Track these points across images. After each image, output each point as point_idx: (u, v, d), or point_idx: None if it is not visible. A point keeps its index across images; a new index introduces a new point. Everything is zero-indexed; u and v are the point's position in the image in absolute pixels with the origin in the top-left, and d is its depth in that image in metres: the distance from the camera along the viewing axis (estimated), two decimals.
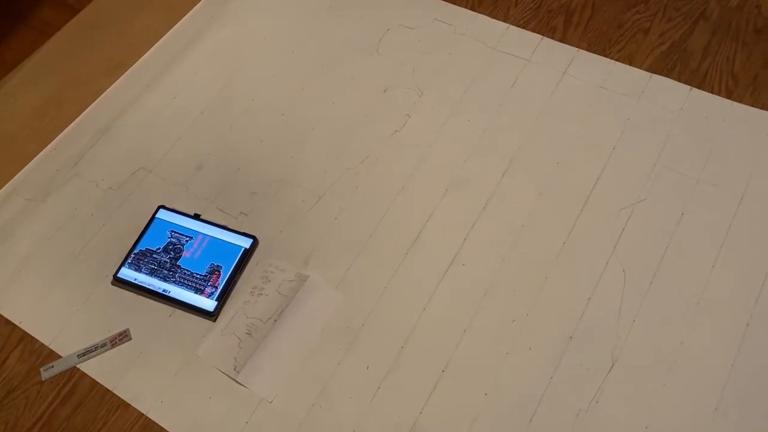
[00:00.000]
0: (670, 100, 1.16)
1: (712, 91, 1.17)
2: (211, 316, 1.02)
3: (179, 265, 1.06)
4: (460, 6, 1.34)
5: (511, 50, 1.26)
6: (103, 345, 1.01)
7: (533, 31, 1.29)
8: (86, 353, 1.01)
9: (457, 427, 0.92)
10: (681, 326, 0.96)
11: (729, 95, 1.17)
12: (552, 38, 1.27)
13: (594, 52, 1.24)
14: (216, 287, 1.04)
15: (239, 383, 0.97)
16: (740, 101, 1.15)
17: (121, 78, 1.32)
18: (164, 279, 1.05)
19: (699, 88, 1.18)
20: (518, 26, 1.29)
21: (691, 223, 1.04)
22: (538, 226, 1.07)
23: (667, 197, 1.07)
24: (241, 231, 1.09)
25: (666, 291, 0.99)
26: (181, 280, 1.05)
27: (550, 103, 1.19)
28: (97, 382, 0.99)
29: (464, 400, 0.94)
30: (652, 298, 0.99)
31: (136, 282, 1.06)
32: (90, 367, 1.01)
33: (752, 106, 1.15)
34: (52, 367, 1.00)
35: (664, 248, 1.02)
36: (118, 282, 1.06)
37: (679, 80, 1.19)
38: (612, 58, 1.23)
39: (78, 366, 1.01)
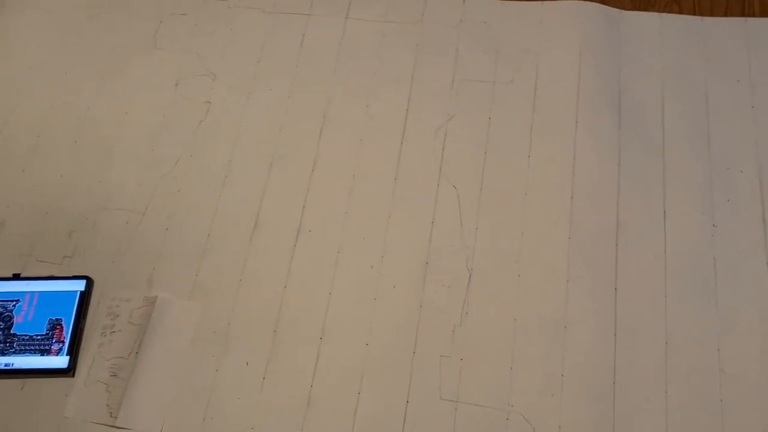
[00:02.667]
0: (448, 15, 1.21)
1: None
2: (67, 372, 0.95)
3: (14, 333, 0.97)
4: None
5: (289, 9, 1.24)
6: None
7: None
8: None
9: (349, 386, 0.93)
10: (518, 219, 1.03)
11: None
12: None
13: None
14: (62, 342, 0.96)
15: (121, 428, 0.91)
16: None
17: None
18: (2, 353, 0.96)
19: None
20: None
21: (499, 124, 1.10)
22: (367, 171, 1.08)
23: (472, 107, 1.12)
24: (71, 275, 1.01)
25: (496, 192, 1.05)
26: (22, 348, 0.96)
27: (342, 51, 1.19)
28: None
29: (348, 358, 0.95)
30: (486, 203, 1.04)
31: None
32: None
33: (520, 0, 1.22)
34: None
35: (483, 154, 1.08)
36: None
37: None
38: None
39: None
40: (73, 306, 0.99)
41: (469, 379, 0.93)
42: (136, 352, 0.95)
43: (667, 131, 1.09)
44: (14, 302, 1.00)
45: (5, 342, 0.97)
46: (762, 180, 1.04)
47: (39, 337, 0.97)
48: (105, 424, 0.92)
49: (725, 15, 1.19)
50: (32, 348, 0.96)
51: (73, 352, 0.96)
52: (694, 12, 1.20)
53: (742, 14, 1.19)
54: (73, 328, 0.97)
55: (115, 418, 0.91)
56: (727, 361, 0.93)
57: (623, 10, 1.20)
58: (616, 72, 1.14)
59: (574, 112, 1.10)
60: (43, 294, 1.00)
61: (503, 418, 0.91)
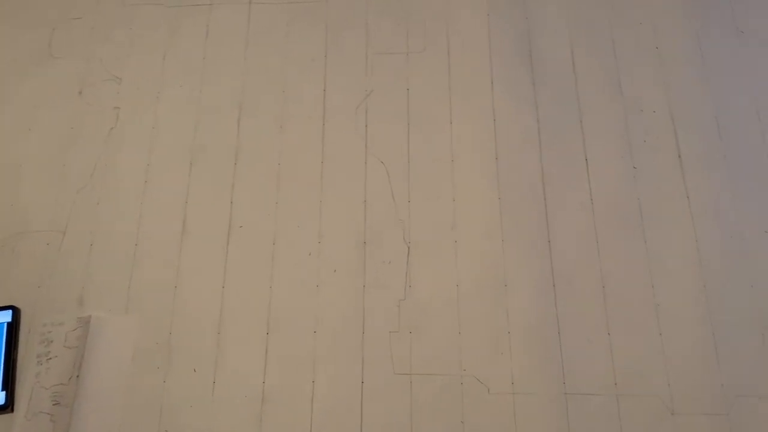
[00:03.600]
0: None
1: None
2: (5, 408, 0.91)
3: None
4: None
5: (190, 0, 1.19)
6: None
7: None
8: None
9: (303, 376, 0.93)
10: (448, 186, 1.03)
11: None
12: None
13: None
14: None
15: None
16: None
17: None
18: None
19: None
20: None
21: (418, 94, 1.10)
22: (292, 158, 1.06)
23: (389, 80, 1.11)
24: None
25: (423, 162, 1.05)
26: None
27: (251, 37, 1.16)
28: None
29: (298, 348, 0.94)
30: (415, 175, 1.04)
31: None
32: None
33: None
34: None
35: (406, 126, 1.07)
36: None
37: None
38: None
39: None
40: (2, 339, 0.94)
41: (420, 351, 0.94)
42: (77, 376, 0.92)
43: (579, 81, 1.11)
44: None
45: None
46: (674, 117, 1.08)
47: None
48: None
49: None
50: None
51: (9, 386, 0.91)
52: None
53: None
54: (5, 362, 0.93)
55: None
56: (662, 296, 0.97)
57: None
58: (524, 29, 1.14)
59: (488, 73, 1.11)
60: None
61: (458, 383, 0.92)
